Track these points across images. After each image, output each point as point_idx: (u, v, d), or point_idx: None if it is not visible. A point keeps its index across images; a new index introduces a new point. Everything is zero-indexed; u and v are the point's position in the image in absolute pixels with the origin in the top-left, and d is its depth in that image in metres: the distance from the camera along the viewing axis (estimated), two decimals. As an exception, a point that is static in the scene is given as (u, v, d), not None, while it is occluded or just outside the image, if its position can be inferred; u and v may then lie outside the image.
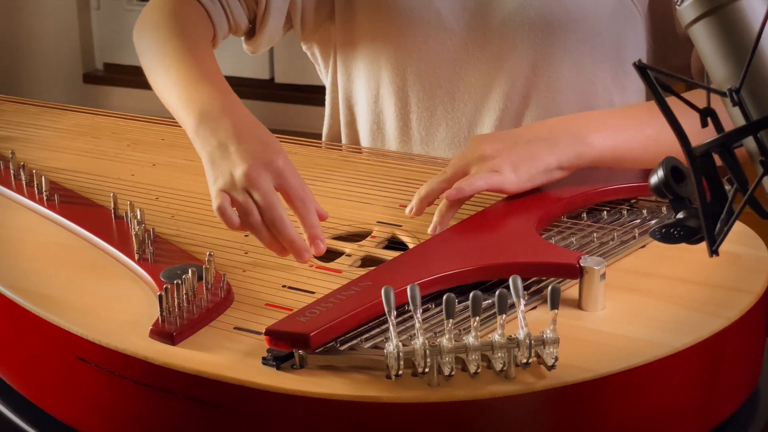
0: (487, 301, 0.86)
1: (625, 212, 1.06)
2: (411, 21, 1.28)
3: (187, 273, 0.90)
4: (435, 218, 1.03)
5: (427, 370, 0.77)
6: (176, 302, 0.88)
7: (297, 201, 0.98)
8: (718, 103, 0.72)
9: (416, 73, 1.31)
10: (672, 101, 0.73)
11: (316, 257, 1.00)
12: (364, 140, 1.38)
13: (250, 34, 1.34)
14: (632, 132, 1.07)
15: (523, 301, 0.80)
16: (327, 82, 1.42)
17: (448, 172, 1.07)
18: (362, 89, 1.36)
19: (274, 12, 1.30)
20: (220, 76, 1.14)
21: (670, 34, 1.26)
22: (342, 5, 1.33)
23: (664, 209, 1.06)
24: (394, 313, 0.79)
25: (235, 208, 0.98)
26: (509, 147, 1.05)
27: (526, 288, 0.90)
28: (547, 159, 1.04)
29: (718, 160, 0.71)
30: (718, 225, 0.71)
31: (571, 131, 1.06)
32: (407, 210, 1.07)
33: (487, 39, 1.26)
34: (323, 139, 1.45)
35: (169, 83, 1.14)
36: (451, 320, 0.78)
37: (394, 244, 1.06)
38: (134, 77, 1.34)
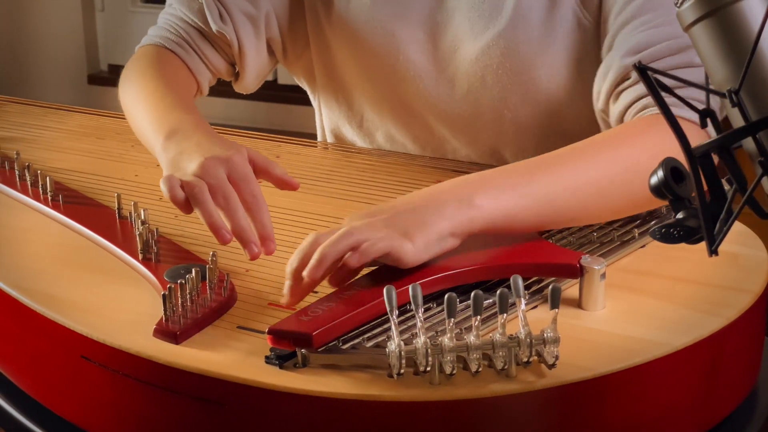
0: (488, 301, 0.86)
1: (625, 212, 1.07)
2: (380, 61, 1.27)
3: (191, 273, 0.91)
4: (300, 283, 0.89)
5: (428, 368, 0.78)
6: (180, 302, 0.89)
7: (248, 195, 0.96)
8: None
9: (391, 108, 1.31)
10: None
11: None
12: None
13: (237, 75, 1.34)
14: (521, 189, 0.95)
15: (523, 301, 0.80)
16: (315, 105, 1.43)
17: (321, 252, 0.88)
18: (345, 119, 1.37)
19: (249, 53, 1.30)
20: (192, 106, 1.15)
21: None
22: (317, 43, 1.33)
23: (663, 209, 1.07)
24: (396, 312, 0.80)
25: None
26: (395, 216, 0.92)
27: (526, 287, 0.91)
28: (439, 225, 0.91)
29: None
30: (718, 225, 0.71)
31: (455, 195, 0.94)
32: (283, 300, 0.91)
33: (457, 79, 1.25)
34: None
35: (145, 114, 1.15)
36: (452, 319, 0.78)
37: (396, 244, 1.06)
38: (138, 79, 1.34)
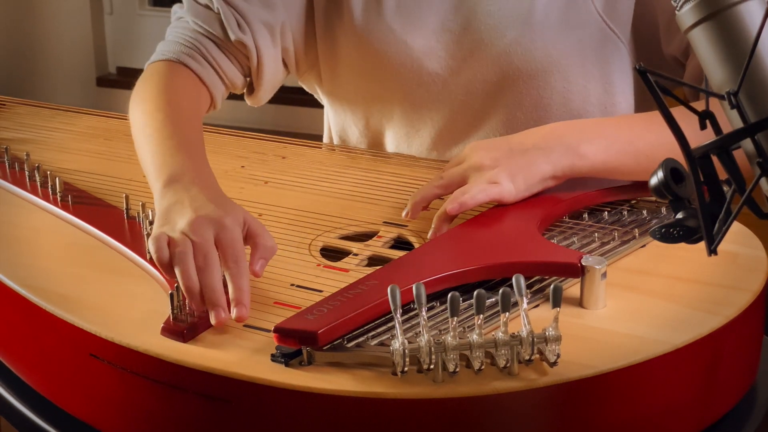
0: (491, 300, 0.87)
1: (625, 212, 1.08)
2: (392, 70, 1.27)
3: (198, 272, 0.91)
4: (433, 226, 1.04)
5: (432, 366, 0.78)
6: (187, 300, 0.90)
7: (231, 261, 0.91)
8: (717, 107, 0.73)
9: (402, 112, 1.31)
10: (672, 104, 0.74)
11: (323, 260, 1.02)
12: None
13: (250, 89, 1.31)
14: (626, 145, 1.07)
15: (525, 300, 0.81)
16: (325, 104, 1.43)
17: (445, 178, 1.08)
18: (351, 121, 1.37)
19: (267, 63, 1.27)
20: (197, 147, 1.11)
21: (655, 57, 1.25)
22: (326, 54, 1.32)
23: (663, 209, 1.08)
24: (400, 311, 0.80)
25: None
26: (506, 156, 1.07)
27: (528, 286, 0.92)
28: (543, 168, 1.06)
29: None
30: (717, 225, 0.72)
31: (565, 141, 1.07)
32: (403, 214, 1.08)
33: (471, 85, 1.26)
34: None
35: (149, 152, 1.11)
36: (455, 318, 0.79)
37: (399, 243, 1.07)
38: (146, 81, 1.34)
